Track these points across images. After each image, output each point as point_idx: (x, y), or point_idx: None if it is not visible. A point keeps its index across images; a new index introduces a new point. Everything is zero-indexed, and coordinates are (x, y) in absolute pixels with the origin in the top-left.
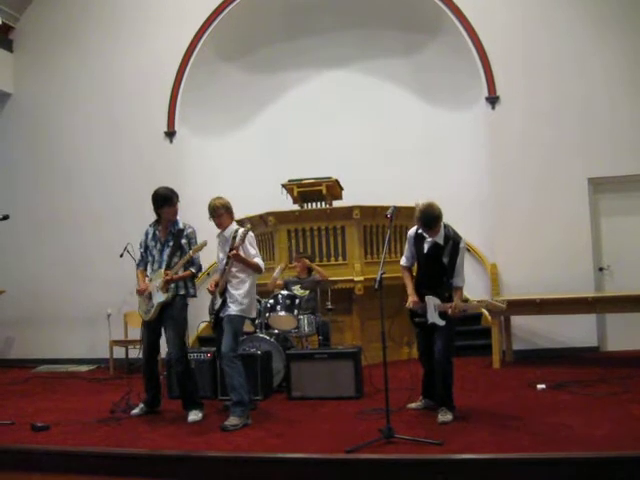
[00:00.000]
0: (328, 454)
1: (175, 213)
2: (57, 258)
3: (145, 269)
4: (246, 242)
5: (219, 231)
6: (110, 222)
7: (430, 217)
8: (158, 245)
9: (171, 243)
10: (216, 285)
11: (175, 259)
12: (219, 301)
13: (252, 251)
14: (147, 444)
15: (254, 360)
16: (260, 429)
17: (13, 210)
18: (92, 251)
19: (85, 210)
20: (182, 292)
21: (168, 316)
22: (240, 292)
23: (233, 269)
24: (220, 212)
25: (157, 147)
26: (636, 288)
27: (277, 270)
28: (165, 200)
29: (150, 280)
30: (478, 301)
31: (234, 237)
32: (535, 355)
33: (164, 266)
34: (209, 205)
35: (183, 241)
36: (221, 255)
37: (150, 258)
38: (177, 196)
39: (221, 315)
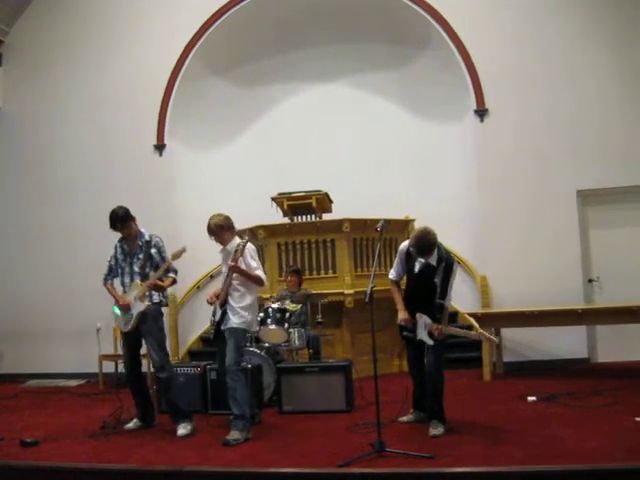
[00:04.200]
0: (320, 468)
1: (131, 231)
2: (47, 272)
3: (112, 282)
4: (247, 254)
5: (222, 247)
6: (100, 236)
7: (425, 244)
8: (127, 258)
9: (141, 255)
10: (216, 297)
11: (147, 269)
12: (219, 313)
13: (253, 264)
14: (137, 459)
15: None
16: (252, 444)
17: (3, 224)
18: (82, 265)
19: (75, 224)
20: (157, 300)
21: (145, 325)
22: (242, 305)
23: (234, 282)
24: (215, 232)
25: (147, 160)
26: (625, 299)
27: None
28: (118, 221)
29: (125, 293)
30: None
31: (236, 250)
32: (525, 367)
33: (138, 277)
34: (206, 227)
35: (153, 251)
36: (224, 268)
37: (119, 271)
38: (131, 217)
39: (222, 328)
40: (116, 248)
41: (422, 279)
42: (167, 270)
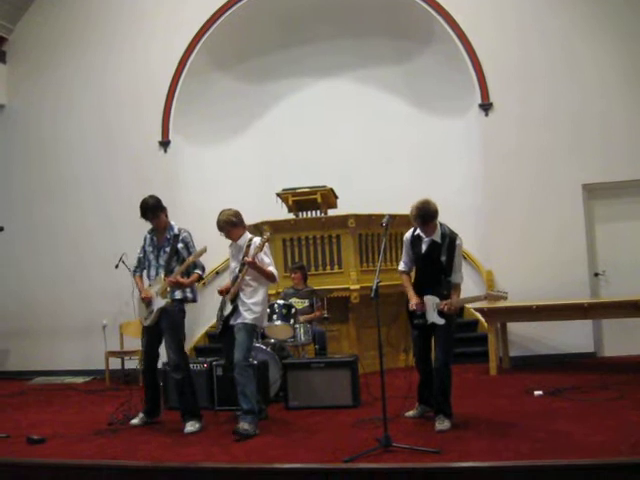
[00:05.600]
0: (326, 464)
1: (161, 222)
2: (52, 269)
3: (142, 274)
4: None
5: (231, 242)
6: (105, 233)
7: (427, 212)
8: (155, 251)
9: (168, 248)
10: (227, 291)
11: (173, 264)
12: (229, 308)
13: (267, 260)
14: (144, 456)
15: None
16: (258, 440)
17: (8, 222)
18: (87, 262)
19: (80, 221)
20: (178, 297)
21: (165, 322)
22: (253, 300)
23: (247, 277)
24: (226, 228)
25: (151, 157)
26: (631, 293)
27: None
28: (148, 210)
29: (150, 286)
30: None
31: (248, 245)
32: (532, 361)
33: (162, 271)
34: (216, 222)
35: (180, 245)
36: (233, 264)
37: (147, 263)
38: (162, 208)
39: (232, 323)
40: (145, 239)
41: (430, 258)
42: (194, 266)
